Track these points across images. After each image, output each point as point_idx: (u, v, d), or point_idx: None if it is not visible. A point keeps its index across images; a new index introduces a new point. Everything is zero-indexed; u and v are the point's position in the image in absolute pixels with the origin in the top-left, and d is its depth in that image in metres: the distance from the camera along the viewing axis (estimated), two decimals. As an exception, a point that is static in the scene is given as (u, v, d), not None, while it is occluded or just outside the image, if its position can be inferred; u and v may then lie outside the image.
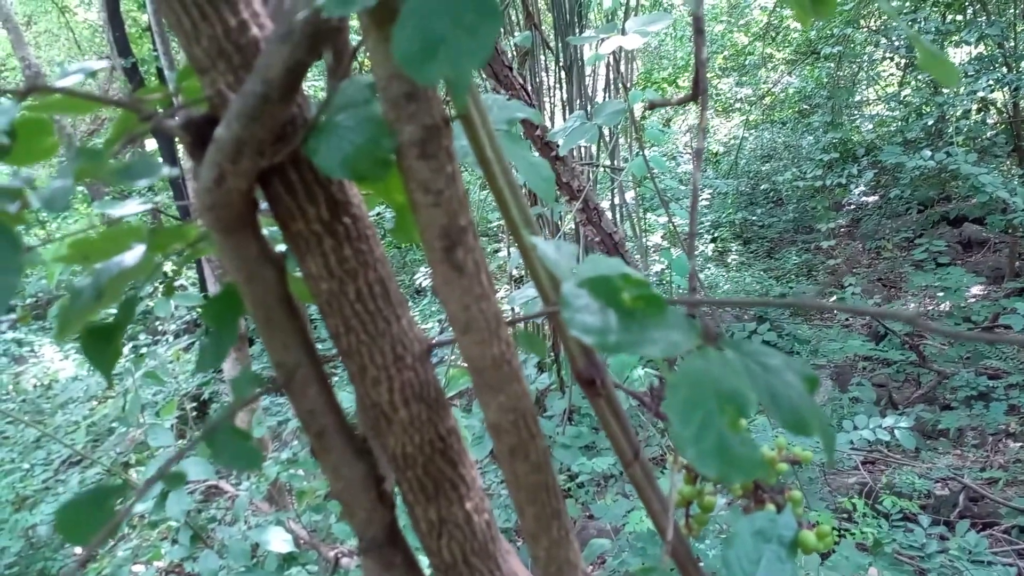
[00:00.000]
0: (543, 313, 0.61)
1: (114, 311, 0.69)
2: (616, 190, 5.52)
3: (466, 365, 0.52)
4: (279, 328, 0.57)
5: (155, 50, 6.94)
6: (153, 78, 7.93)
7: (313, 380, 0.59)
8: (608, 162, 4.75)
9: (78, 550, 4.77)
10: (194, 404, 6.58)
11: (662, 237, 8.14)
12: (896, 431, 3.33)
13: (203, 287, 6.64)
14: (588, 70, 4.98)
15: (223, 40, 0.51)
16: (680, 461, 0.89)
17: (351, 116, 0.49)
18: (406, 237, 0.60)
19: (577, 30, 4.99)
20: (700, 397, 0.43)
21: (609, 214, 4.40)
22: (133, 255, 0.62)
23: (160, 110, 0.61)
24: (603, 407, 0.76)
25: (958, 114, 6.89)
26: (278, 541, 2.65)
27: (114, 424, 5.91)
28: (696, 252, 8.04)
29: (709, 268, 7.47)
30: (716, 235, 8.59)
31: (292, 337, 0.58)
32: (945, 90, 7.08)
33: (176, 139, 0.60)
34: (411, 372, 0.59)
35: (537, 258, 0.67)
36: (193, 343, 6.76)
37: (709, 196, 9.04)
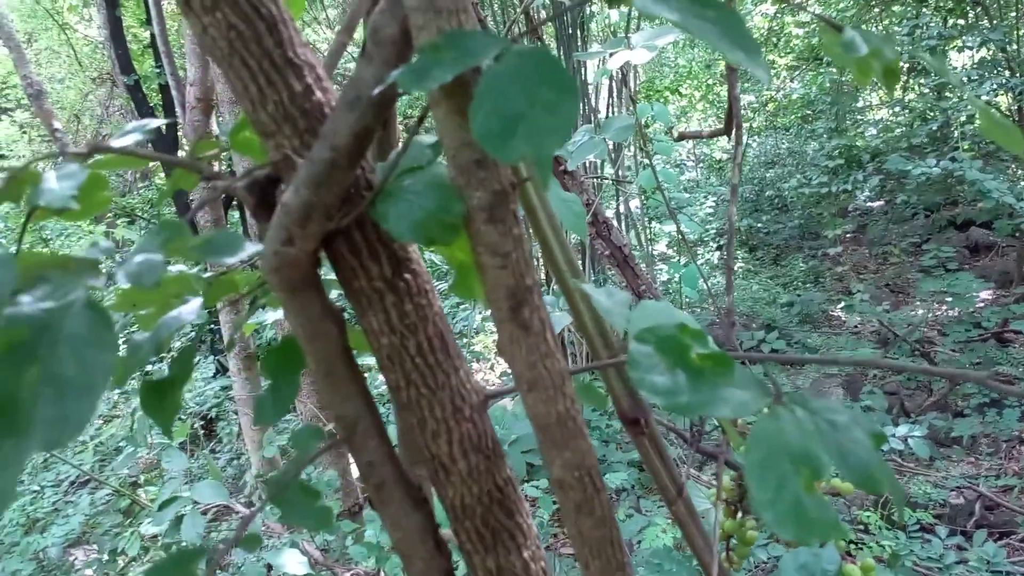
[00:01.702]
0: (600, 366, 0.61)
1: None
2: (621, 200, 5.53)
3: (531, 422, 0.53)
4: (340, 382, 0.58)
5: (158, 67, 6.98)
6: (155, 94, 7.97)
7: (373, 433, 0.60)
8: (614, 173, 4.76)
9: (89, 572, 4.78)
10: (202, 422, 6.59)
11: (667, 246, 8.15)
12: (910, 440, 3.33)
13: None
14: (590, 78, 4.99)
15: (288, 105, 0.52)
16: (722, 495, 0.90)
17: (418, 180, 0.50)
18: (468, 294, 0.61)
19: (579, 41, 5.01)
20: (775, 460, 0.43)
21: (615, 222, 4.41)
22: (190, 309, 0.62)
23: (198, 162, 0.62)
24: (647, 446, 0.77)
25: (963, 119, 6.90)
26: (293, 563, 2.64)
27: (121, 444, 5.91)
28: (701, 260, 8.05)
29: (715, 276, 7.47)
30: (722, 243, 8.59)
31: (352, 390, 0.59)
32: (949, 95, 7.09)
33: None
34: (469, 424, 0.59)
35: (582, 305, 0.68)
36: (199, 361, 6.76)
37: (714, 203, 9.05)
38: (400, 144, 0.60)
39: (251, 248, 0.47)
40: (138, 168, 0.75)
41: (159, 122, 0.63)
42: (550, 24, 4.77)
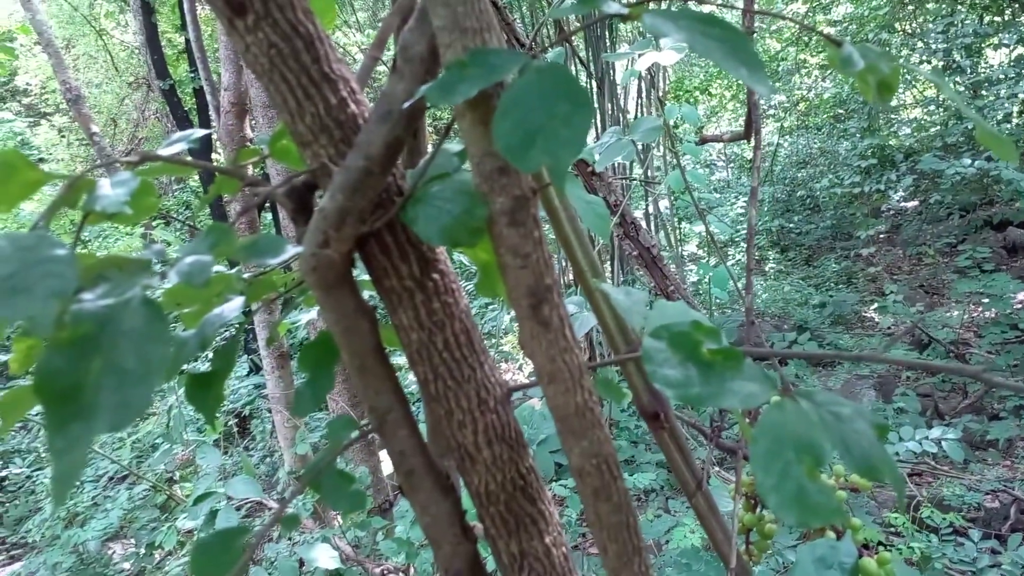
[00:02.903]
0: (617, 360, 0.64)
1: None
2: (651, 201, 5.52)
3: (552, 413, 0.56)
4: (373, 376, 0.62)
5: (192, 72, 7.13)
6: (189, 98, 8.15)
7: (403, 423, 0.63)
8: (642, 173, 4.76)
9: (127, 565, 4.91)
10: (236, 420, 6.72)
11: (697, 246, 8.12)
12: (944, 442, 3.29)
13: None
14: (619, 79, 5.01)
15: (325, 117, 0.56)
16: (741, 489, 0.92)
17: (445, 187, 0.54)
18: (491, 292, 0.64)
19: (608, 42, 5.02)
20: (780, 448, 0.46)
21: (643, 223, 4.41)
22: (233, 308, 0.66)
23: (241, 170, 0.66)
24: (666, 440, 0.80)
25: (999, 117, 6.79)
26: (325, 558, 2.69)
27: (158, 441, 6.05)
28: (732, 261, 8.01)
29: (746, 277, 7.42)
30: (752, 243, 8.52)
31: (384, 384, 0.62)
32: (985, 93, 6.98)
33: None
34: (493, 415, 0.63)
35: (605, 304, 0.71)
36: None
37: (744, 204, 8.99)
38: (429, 151, 0.64)
39: (292, 250, 0.51)
40: (180, 174, 0.79)
41: (203, 132, 0.68)
42: (577, 24, 4.79)
